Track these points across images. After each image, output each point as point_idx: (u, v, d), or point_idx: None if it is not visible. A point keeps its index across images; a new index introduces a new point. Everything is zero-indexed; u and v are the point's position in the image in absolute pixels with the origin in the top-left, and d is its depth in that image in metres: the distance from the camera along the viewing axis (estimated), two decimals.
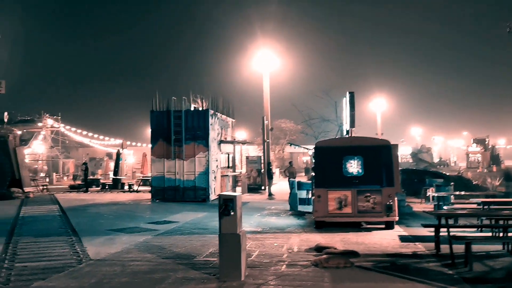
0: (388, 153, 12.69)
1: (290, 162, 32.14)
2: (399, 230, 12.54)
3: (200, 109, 22.93)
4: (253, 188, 29.36)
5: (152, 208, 19.23)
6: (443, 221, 9.63)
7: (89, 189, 30.75)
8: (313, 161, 13.16)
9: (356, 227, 13.18)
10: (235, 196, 7.52)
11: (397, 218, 12.62)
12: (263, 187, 30.18)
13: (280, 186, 36.35)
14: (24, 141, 28.02)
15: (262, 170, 30.68)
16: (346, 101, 14.59)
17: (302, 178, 36.82)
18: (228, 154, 26.17)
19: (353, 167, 12.80)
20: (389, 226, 12.72)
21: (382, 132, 54.92)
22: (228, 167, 26.21)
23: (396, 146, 12.93)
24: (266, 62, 37.46)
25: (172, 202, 21.28)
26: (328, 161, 12.89)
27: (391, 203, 12.44)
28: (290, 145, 15.36)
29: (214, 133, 22.71)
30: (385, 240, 11.07)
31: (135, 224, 14.29)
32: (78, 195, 26.80)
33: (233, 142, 25.82)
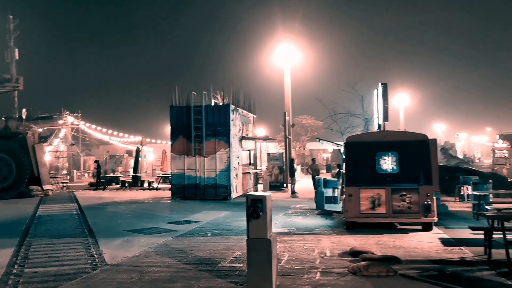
0: (425, 148, 11.70)
1: (313, 159, 31.23)
2: (438, 232, 11.56)
3: (221, 104, 22.17)
4: (275, 186, 28.56)
5: (172, 207, 18.57)
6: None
7: (108, 186, 30.40)
8: (343, 157, 12.24)
9: (389, 228, 12.25)
10: (264, 197, 6.68)
11: (436, 219, 11.64)
12: (285, 185, 29.37)
13: (303, 183, 35.42)
14: (44, 138, 27.65)
15: (284, 168, 29.85)
16: (377, 93, 13.61)
17: (323, 175, 35.84)
18: (250, 151, 25.38)
19: (388, 163, 11.85)
20: (426, 227, 11.74)
21: (405, 128, 53.50)
22: (250, 164, 25.41)
23: (434, 141, 11.93)
24: (287, 56, 36.52)
25: (193, 200, 20.61)
26: (360, 157, 11.96)
27: (430, 202, 11.46)
28: (319, 141, 14.34)
29: (235, 129, 21.93)
30: (425, 243, 10.11)
31: (154, 224, 13.60)
32: (98, 193, 26.36)
33: (255, 138, 25.01)
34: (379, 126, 13.48)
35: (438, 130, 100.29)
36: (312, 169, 28.22)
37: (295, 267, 8.05)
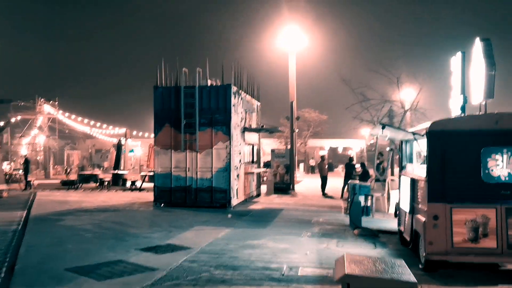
0: None
1: (322, 157, 26.69)
2: None
3: (219, 85, 17.40)
4: (281, 188, 23.97)
5: (152, 219, 13.85)
6: None
7: (83, 185, 25.66)
8: (425, 154, 7.61)
9: (488, 269, 7.73)
10: None
11: None
12: (291, 186, 24.79)
13: (306, 184, 30.93)
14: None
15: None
16: (461, 59, 8.94)
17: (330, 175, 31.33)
18: (253, 146, 20.71)
19: (501, 167, 7.24)
20: None
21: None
22: (252, 161, 20.75)
23: None
24: (292, 40, 31.92)
25: (181, 207, 15.93)
26: (453, 155, 7.34)
27: None
28: (383, 128, 9.52)
29: (237, 118, 17.25)
30: None
31: (120, 252, 8.90)
32: (66, 194, 21.60)
33: (260, 129, 20.31)
34: (463, 108, 8.82)
35: None
36: (320, 168, 24.18)
37: None
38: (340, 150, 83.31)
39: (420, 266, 7.81)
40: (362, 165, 20.19)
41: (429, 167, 7.41)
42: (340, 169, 52.08)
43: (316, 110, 48.28)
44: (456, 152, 7.33)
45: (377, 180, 16.63)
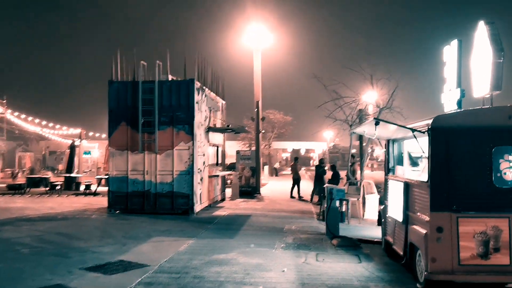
0: None
1: (296, 158, 25.59)
2: None
3: (181, 80, 15.89)
4: (246, 192, 22.78)
5: (105, 229, 12.23)
6: None
7: (31, 189, 23.53)
8: (427, 155, 6.50)
9: (491, 286, 6.70)
10: None
11: None
12: (257, 190, 23.57)
13: (272, 186, 29.85)
14: None
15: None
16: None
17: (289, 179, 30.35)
18: (217, 147, 19.33)
19: None
20: None
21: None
22: (217, 164, 19.35)
23: None
24: (257, 37, 30.73)
25: (139, 214, 14.36)
26: (460, 156, 6.26)
27: None
28: (376, 124, 8.24)
29: (201, 116, 15.83)
30: None
31: (60, 273, 7.35)
32: (11, 199, 19.53)
33: (226, 129, 18.90)
34: (459, 103, 7.78)
35: None
36: (293, 170, 22.89)
37: None
38: (302, 152, 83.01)
39: (418, 285, 6.69)
40: (333, 167, 19.17)
41: (431, 169, 6.28)
42: (304, 171, 51.47)
43: (281, 112, 47.36)
44: (463, 152, 6.24)
45: (351, 183, 15.62)
